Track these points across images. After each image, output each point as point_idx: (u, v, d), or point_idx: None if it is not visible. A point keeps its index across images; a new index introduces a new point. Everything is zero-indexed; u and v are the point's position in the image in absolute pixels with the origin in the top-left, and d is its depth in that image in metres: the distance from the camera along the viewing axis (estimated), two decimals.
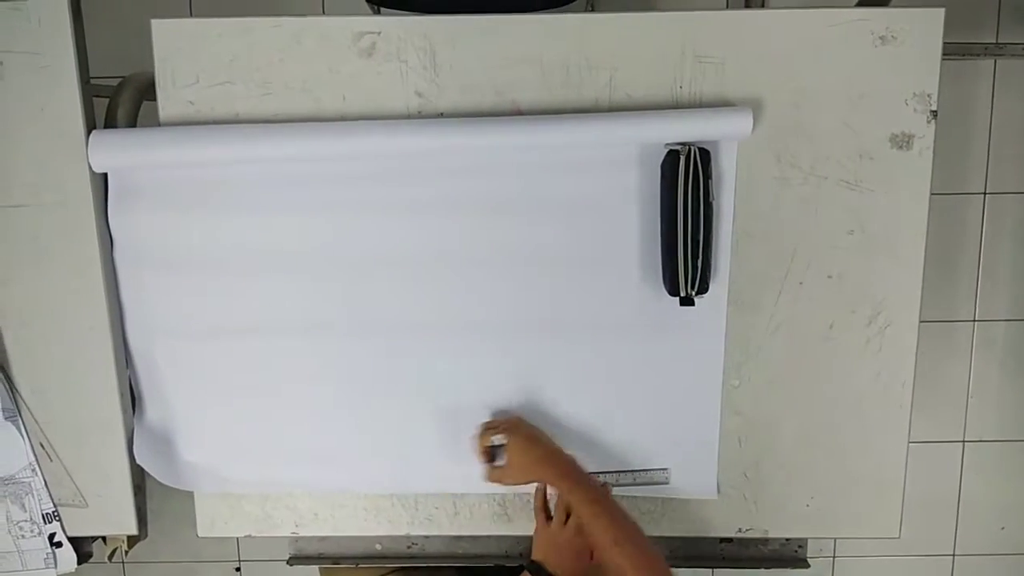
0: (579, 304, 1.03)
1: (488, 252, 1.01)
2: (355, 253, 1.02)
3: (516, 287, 1.02)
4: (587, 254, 1.02)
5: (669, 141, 0.97)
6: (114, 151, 0.99)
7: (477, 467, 1.02)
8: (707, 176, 0.96)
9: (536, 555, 0.99)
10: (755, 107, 0.98)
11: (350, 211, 1.01)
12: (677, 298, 0.99)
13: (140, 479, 1.09)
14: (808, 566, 1.16)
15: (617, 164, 0.99)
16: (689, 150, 0.95)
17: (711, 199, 0.97)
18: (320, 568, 1.21)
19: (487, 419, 1.05)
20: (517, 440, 1.00)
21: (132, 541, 1.13)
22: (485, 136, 0.97)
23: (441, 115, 1.00)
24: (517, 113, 0.99)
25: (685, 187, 0.96)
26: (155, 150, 0.98)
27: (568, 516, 0.98)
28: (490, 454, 1.02)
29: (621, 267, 1.02)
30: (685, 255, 0.97)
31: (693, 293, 0.98)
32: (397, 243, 1.01)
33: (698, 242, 0.97)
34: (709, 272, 0.98)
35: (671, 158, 0.97)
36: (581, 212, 1.01)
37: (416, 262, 1.02)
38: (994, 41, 1.80)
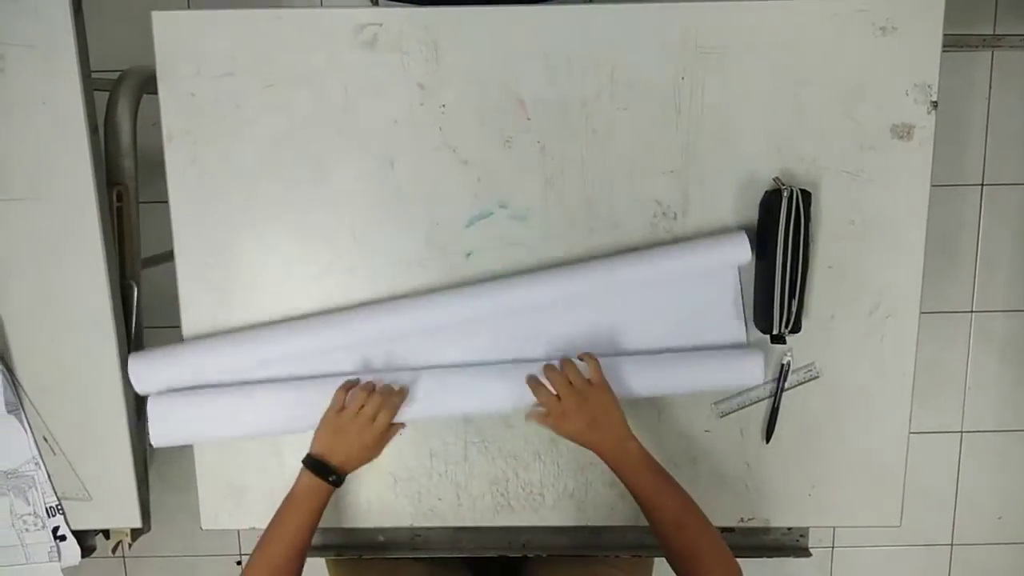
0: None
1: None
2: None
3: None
4: None
5: (664, 278, 1.00)
6: (153, 376, 1.03)
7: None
8: (807, 218, 0.96)
9: (316, 448, 0.97)
10: (757, 97, 0.99)
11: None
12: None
13: (143, 472, 1.09)
14: (810, 555, 1.16)
15: None
16: (792, 191, 0.95)
17: (810, 240, 0.97)
18: (327, 560, 1.21)
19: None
20: (605, 390, 0.95)
21: (135, 534, 1.13)
22: (501, 300, 1.01)
23: (443, 107, 1.00)
24: (520, 107, 0.99)
25: (786, 229, 0.95)
26: (195, 371, 1.03)
27: (362, 408, 0.96)
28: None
29: None
30: (782, 296, 0.97)
31: (786, 332, 0.99)
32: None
33: (795, 284, 0.96)
34: (803, 312, 0.99)
35: (772, 197, 0.97)
36: None
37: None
38: (992, 32, 1.81)
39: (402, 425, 1.03)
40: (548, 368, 0.98)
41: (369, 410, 0.97)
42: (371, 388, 0.99)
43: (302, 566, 0.96)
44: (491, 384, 1.02)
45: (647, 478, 0.93)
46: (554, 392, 0.96)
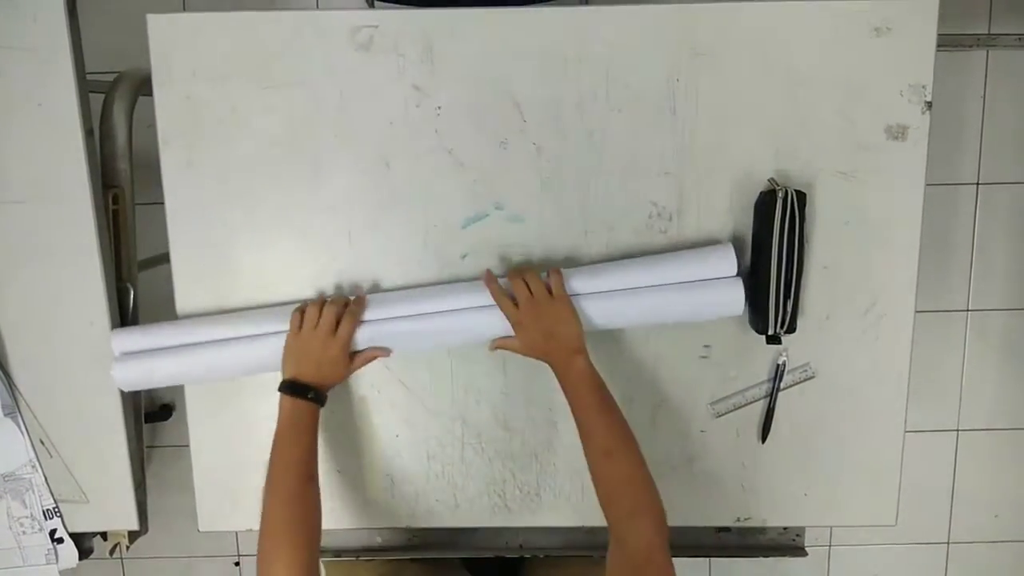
0: None
1: None
2: None
3: None
4: None
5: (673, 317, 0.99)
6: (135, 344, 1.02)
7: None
8: (802, 218, 0.96)
9: (286, 373, 0.96)
10: (751, 98, 0.99)
11: None
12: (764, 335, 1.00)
13: (140, 474, 1.09)
14: (806, 554, 1.17)
15: None
16: (786, 192, 0.95)
17: (805, 241, 0.97)
18: (325, 562, 1.21)
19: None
20: (565, 302, 0.95)
21: (133, 536, 1.13)
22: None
23: (438, 109, 1.00)
24: (515, 108, 1.00)
25: (781, 229, 0.95)
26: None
27: (319, 319, 0.95)
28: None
29: None
30: (777, 297, 0.97)
31: (782, 333, 0.99)
32: None
33: (791, 284, 0.96)
34: (798, 312, 0.99)
35: (767, 198, 0.97)
36: None
37: None
38: (987, 32, 1.81)
39: (385, 352, 1.01)
40: (513, 278, 0.97)
41: (327, 321, 0.96)
42: (323, 303, 0.98)
43: (317, 493, 0.93)
44: (467, 298, 0.99)
45: (588, 396, 0.92)
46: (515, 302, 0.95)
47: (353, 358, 0.99)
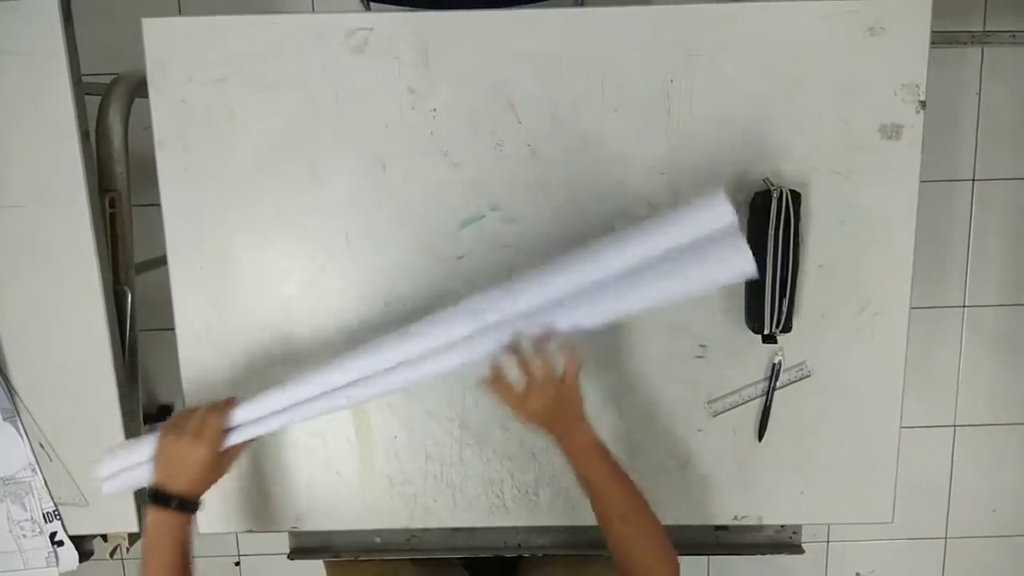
0: None
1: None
2: None
3: None
4: None
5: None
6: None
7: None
8: (797, 218, 0.96)
9: (153, 478, 0.91)
10: (746, 99, 0.99)
11: None
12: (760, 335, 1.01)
13: None
14: (803, 552, 1.17)
15: None
16: (781, 192, 0.95)
17: (800, 241, 0.98)
18: (325, 562, 1.21)
19: None
20: (575, 387, 0.89)
21: (133, 538, 1.14)
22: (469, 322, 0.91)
23: (434, 111, 1.00)
24: (510, 110, 1.00)
25: (776, 229, 0.96)
26: None
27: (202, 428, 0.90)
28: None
29: None
30: (773, 296, 0.97)
31: (778, 332, 0.99)
32: None
33: (786, 284, 0.97)
34: (793, 311, 0.99)
35: (761, 198, 0.97)
36: None
37: None
38: (981, 29, 1.81)
39: (249, 442, 0.96)
40: (513, 353, 0.87)
41: (194, 424, 0.91)
42: (195, 408, 0.94)
43: None
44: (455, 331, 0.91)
45: (597, 464, 0.90)
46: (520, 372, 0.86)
47: (230, 452, 0.95)
